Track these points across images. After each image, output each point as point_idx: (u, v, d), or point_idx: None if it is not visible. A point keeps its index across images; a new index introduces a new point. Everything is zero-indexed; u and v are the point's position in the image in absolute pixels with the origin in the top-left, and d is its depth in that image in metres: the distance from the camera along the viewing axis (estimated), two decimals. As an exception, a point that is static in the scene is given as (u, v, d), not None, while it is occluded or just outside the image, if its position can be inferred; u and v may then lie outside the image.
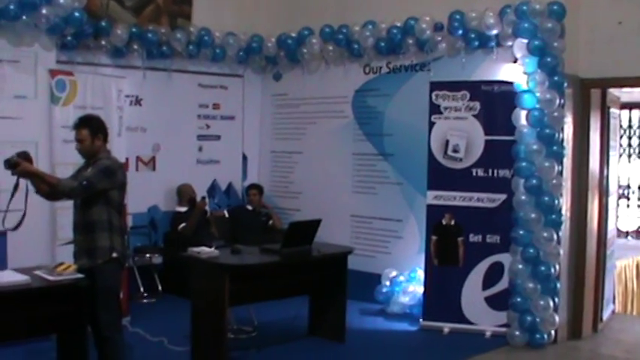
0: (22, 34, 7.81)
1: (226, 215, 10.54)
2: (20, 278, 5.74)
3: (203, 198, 10.03)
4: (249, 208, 10.41)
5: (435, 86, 8.62)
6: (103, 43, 9.29)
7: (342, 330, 7.97)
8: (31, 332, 6.05)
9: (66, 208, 6.72)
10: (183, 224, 9.74)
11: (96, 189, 5.90)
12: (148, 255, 9.89)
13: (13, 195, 5.82)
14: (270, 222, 10.50)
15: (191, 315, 7.26)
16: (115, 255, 6.02)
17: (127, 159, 8.89)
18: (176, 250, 8.60)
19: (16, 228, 6.00)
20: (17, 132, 7.63)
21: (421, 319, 8.65)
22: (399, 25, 9.44)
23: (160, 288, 9.95)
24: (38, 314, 5.84)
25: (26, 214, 5.95)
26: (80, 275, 5.86)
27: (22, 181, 5.85)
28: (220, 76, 10.90)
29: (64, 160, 7.78)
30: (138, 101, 9.97)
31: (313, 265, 7.85)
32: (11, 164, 5.69)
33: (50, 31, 7.99)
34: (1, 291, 5.57)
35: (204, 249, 7.32)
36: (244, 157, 11.26)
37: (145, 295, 9.74)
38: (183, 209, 10.01)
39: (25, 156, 5.82)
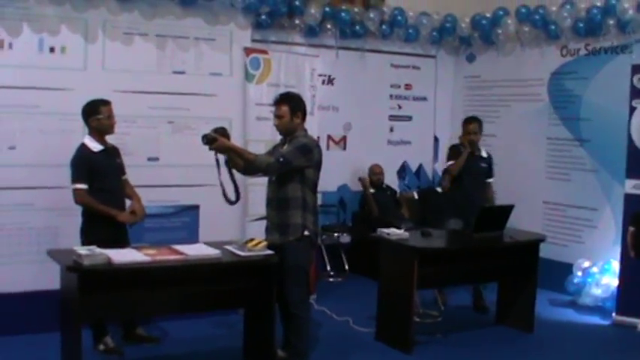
0: (219, 13, 7.94)
1: (415, 197, 10.43)
2: (211, 252, 5.86)
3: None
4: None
5: (637, 69, 8.17)
6: (297, 22, 9.33)
7: (530, 320, 7.72)
8: (220, 305, 6.25)
9: (257, 184, 6.83)
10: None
11: (291, 166, 5.94)
12: (336, 234, 9.95)
13: (219, 171, 5.94)
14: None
15: (377, 296, 7.22)
16: (306, 233, 6.05)
17: (318, 137, 8.92)
18: (365, 230, 8.58)
19: (236, 201, 6.15)
20: (212, 109, 7.79)
21: (614, 314, 8.25)
22: (599, 4, 9.01)
23: (346, 267, 9.99)
24: (227, 288, 5.98)
25: (238, 186, 6.12)
26: (270, 252, 5.92)
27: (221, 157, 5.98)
28: (413, 57, 10.79)
29: (257, 137, 7.93)
30: (330, 80, 10.03)
31: (504, 251, 7.62)
32: (208, 140, 5.79)
33: (246, 10, 8.10)
34: (193, 264, 5.73)
35: (394, 230, 7.24)
36: (436, 139, 11.12)
37: (332, 273, 9.80)
38: (372, 190, 10.01)
39: (222, 132, 5.91)
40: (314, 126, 8.38)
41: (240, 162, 6.01)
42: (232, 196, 6.09)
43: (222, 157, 5.96)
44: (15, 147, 6.99)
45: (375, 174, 10.17)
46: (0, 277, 6.87)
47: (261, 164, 5.95)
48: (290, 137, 6.09)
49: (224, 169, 5.98)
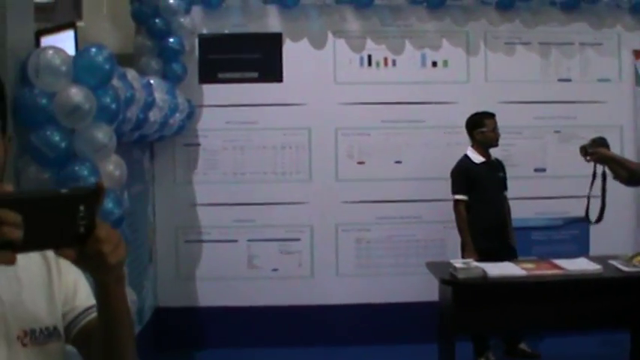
0: (604, 15, 7.63)
1: None
2: (592, 267, 5.68)
3: None
4: None
5: None
6: None
7: None
8: (602, 323, 5.98)
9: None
10: None
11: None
12: None
13: (592, 184, 5.73)
14: None
15: None
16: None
17: None
18: None
19: (598, 221, 5.88)
20: (600, 117, 7.50)
21: None
22: None
23: None
24: (611, 305, 5.72)
25: (605, 205, 5.81)
26: (656, 267, 5.59)
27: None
28: None
29: (651, 145, 7.53)
30: None
31: None
32: (587, 151, 5.62)
33: (633, 10, 7.68)
34: (571, 279, 5.60)
35: None
36: None
37: None
38: None
39: (601, 142, 5.69)
40: None
41: (623, 173, 5.72)
42: (594, 216, 5.82)
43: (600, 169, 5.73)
44: (401, 161, 7.30)
45: None
46: (387, 287, 7.23)
47: (646, 173, 5.63)
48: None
49: (598, 184, 5.72)
